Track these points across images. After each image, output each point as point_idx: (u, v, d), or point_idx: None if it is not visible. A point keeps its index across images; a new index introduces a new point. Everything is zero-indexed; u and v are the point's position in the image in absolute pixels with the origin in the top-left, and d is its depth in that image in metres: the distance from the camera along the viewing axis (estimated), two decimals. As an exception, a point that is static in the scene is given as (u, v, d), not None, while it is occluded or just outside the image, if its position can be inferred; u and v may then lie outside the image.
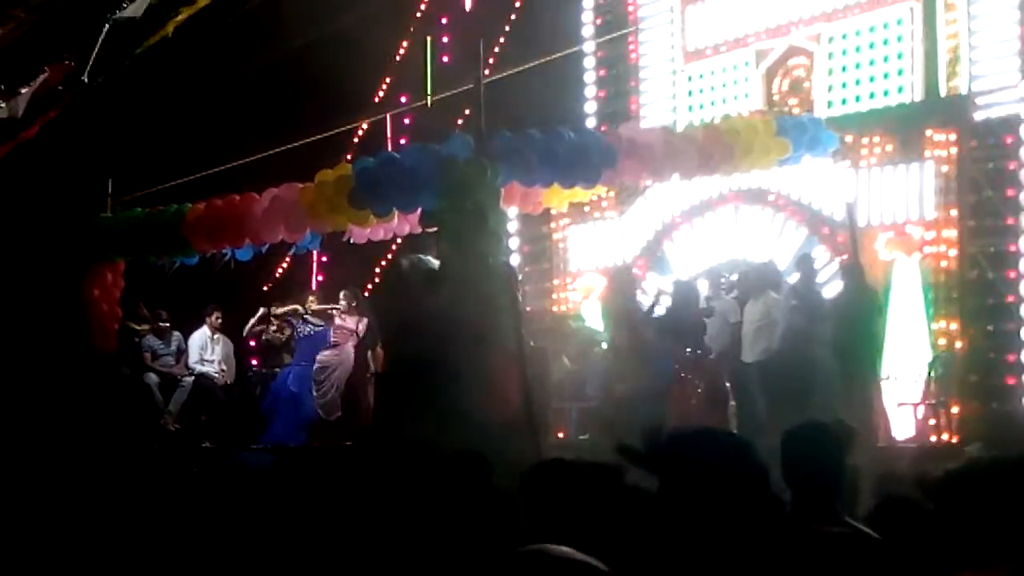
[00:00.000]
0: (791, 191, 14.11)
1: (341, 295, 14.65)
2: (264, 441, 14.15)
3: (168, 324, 15.63)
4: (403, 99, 17.85)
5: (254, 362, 15.83)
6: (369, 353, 14.44)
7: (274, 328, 15.50)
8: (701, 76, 16.37)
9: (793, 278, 13.02)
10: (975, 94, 13.51)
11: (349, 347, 14.37)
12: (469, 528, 3.96)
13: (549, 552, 1.90)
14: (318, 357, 14.47)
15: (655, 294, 14.11)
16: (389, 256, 16.98)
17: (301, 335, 15.00)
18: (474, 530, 3.83)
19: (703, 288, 13.91)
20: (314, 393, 14.29)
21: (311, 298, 15.30)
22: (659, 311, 13.54)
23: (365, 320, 14.35)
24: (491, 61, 15.36)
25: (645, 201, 15.53)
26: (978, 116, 13.29)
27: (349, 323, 14.44)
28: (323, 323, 14.86)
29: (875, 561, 3.37)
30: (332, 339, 14.53)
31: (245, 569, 4.69)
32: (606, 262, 15.70)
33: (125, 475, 7.03)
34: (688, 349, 12.90)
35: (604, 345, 13.79)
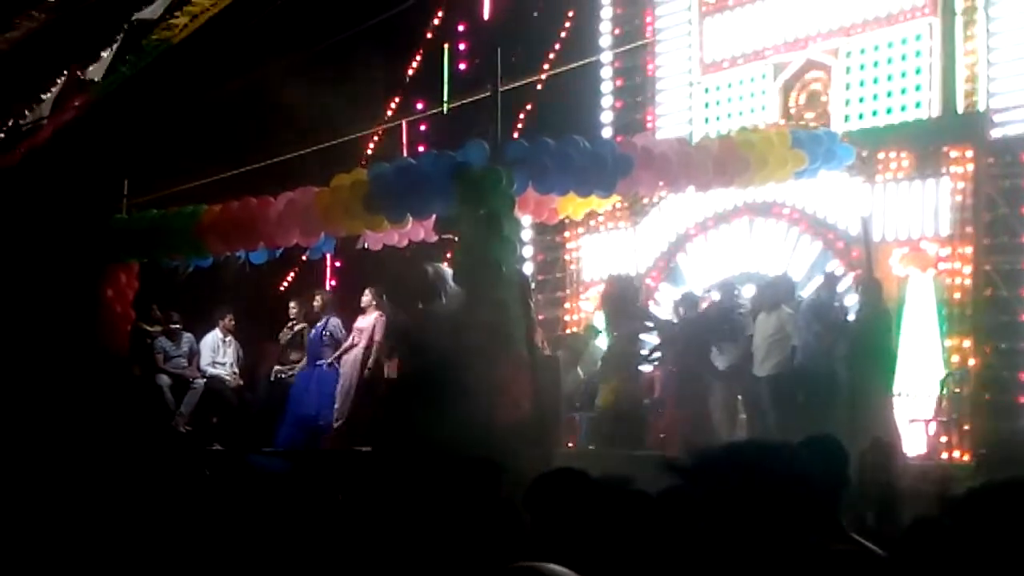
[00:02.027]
0: (806, 205, 14.10)
1: (366, 292, 14.59)
2: (275, 444, 14.12)
3: (180, 326, 15.64)
4: (419, 106, 17.88)
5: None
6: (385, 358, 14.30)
7: (289, 324, 15.49)
8: (718, 88, 16.36)
9: (809, 292, 13.00)
10: (992, 111, 13.49)
11: (360, 348, 14.30)
12: (475, 536, 3.94)
13: (542, 571, 1.87)
14: (343, 359, 14.36)
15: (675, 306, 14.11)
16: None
17: (311, 336, 14.93)
18: (479, 539, 3.81)
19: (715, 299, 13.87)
20: (336, 399, 14.19)
21: (317, 297, 15.25)
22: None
23: (380, 321, 14.22)
24: (508, 69, 15.36)
25: (659, 212, 15.52)
26: (995, 133, 13.27)
27: (362, 323, 14.39)
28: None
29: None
30: (353, 340, 14.45)
31: (252, 571, 4.70)
32: (619, 272, 15.69)
33: (135, 476, 7.04)
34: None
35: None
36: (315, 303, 15.13)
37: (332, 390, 14.26)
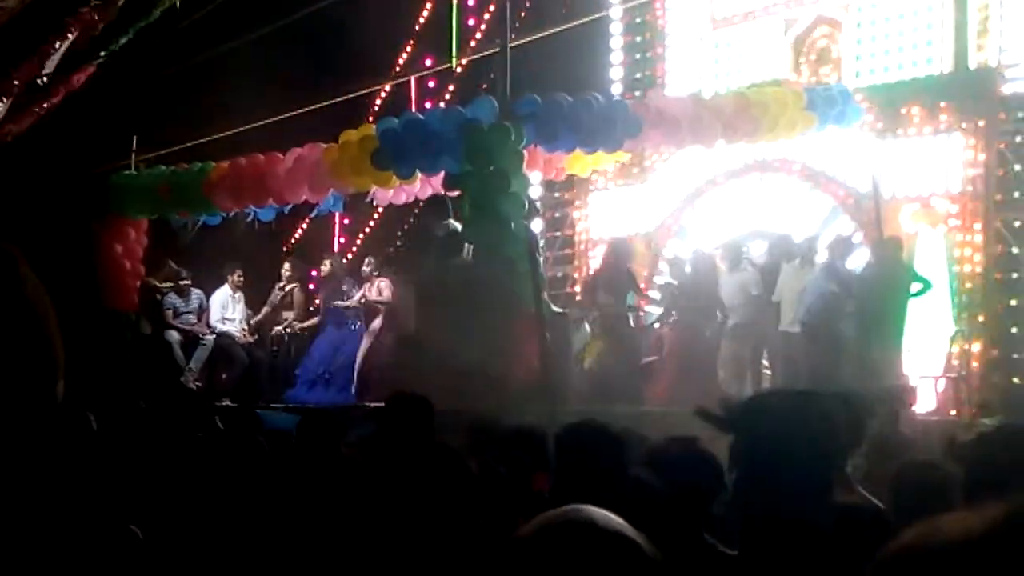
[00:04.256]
0: (816, 161, 14.04)
1: (367, 260, 14.69)
2: (289, 398, 14.17)
3: (189, 282, 15.67)
4: (428, 62, 17.80)
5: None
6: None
7: (280, 284, 15.57)
8: (728, 44, 16.25)
9: (824, 254, 12.99)
10: (1004, 66, 13.40)
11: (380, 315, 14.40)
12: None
13: (595, 522, 1.70)
14: (370, 325, 14.43)
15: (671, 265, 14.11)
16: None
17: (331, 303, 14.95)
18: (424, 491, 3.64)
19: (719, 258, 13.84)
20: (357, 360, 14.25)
21: (326, 262, 15.29)
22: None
23: (379, 286, 14.28)
24: (517, 25, 15.28)
25: (669, 169, 15.47)
26: (1006, 89, 13.20)
27: (372, 293, 14.46)
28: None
29: (879, 530, 3.37)
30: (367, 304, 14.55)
31: (256, 528, 4.72)
32: (628, 229, 15.67)
33: (143, 431, 7.07)
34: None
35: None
36: (323, 267, 15.18)
37: (347, 348, 14.35)
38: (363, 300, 14.57)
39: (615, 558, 1.60)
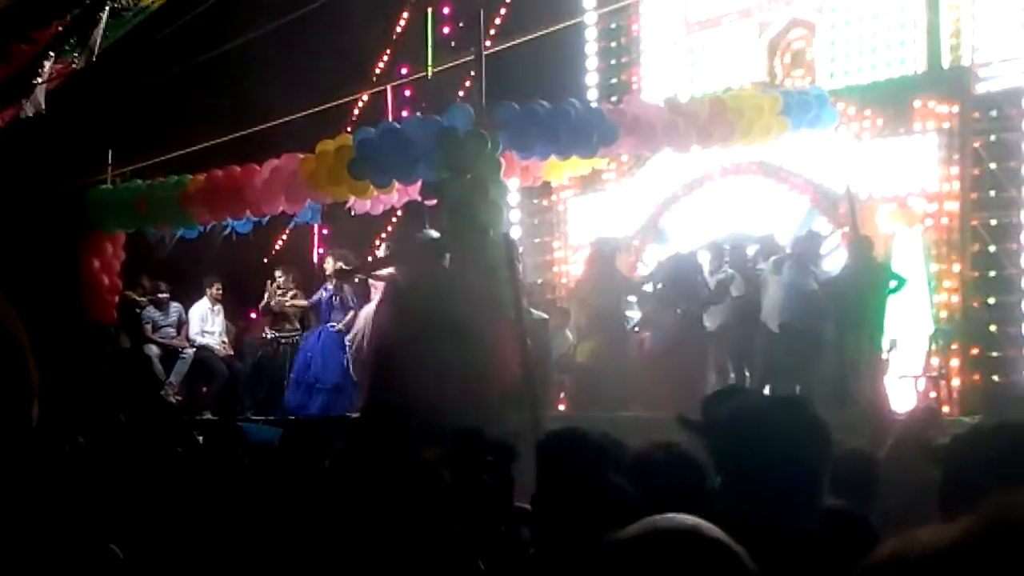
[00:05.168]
0: (793, 163, 14.07)
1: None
2: (282, 407, 14.08)
3: (168, 295, 15.58)
4: (403, 71, 17.78)
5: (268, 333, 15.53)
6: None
7: (280, 292, 15.39)
8: (703, 48, 16.27)
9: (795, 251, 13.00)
10: (977, 65, 13.47)
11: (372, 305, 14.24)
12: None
13: (700, 530, 1.71)
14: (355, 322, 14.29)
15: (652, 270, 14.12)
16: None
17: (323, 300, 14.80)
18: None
19: (704, 260, 13.85)
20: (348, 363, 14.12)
21: (329, 259, 15.13)
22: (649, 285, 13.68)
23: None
24: (492, 32, 15.30)
25: (646, 173, 15.48)
26: (980, 88, 13.26)
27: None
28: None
29: (864, 535, 3.36)
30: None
31: (244, 538, 4.69)
32: (607, 234, 15.66)
33: (123, 446, 7.03)
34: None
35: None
36: (327, 265, 15.01)
37: (340, 355, 14.22)
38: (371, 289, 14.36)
39: (721, 566, 1.62)
